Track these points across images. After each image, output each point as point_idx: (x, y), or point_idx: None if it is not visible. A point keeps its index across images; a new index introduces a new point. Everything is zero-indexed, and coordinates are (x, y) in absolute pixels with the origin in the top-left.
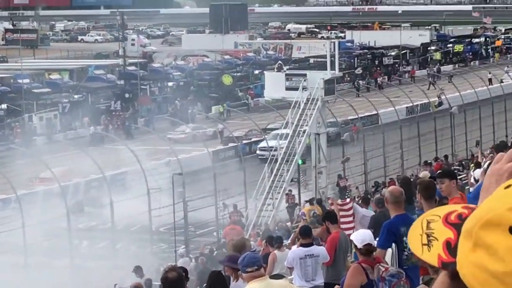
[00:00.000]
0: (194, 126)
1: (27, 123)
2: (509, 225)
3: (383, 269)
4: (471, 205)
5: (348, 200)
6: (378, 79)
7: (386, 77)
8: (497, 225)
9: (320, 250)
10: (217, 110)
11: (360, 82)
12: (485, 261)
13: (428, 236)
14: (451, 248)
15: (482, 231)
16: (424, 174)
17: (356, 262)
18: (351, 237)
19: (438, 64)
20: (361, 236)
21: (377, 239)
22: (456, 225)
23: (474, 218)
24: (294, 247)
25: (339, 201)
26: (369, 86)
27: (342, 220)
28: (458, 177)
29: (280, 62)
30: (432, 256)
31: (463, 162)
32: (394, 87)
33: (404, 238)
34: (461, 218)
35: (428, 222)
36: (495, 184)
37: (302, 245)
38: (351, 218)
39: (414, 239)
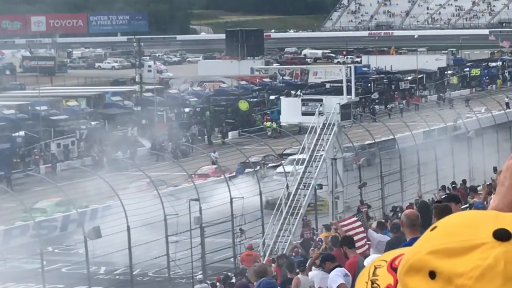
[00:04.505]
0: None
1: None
2: (428, 269)
3: None
4: None
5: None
6: (394, 103)
7: (403, 101)
8: (418, 270)
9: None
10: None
11: (376, 107)
12: None
13: (372, 283)
14: None
15: (407, 277)
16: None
17: None
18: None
19: (448, 90)
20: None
21: None
22: (397, 270)
23: (402, 263)
24: (312, 272)
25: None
26: (389, 112)
27: (350, 234)
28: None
29: (287, 90)
30: None
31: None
32: (410, 111)
33: None
34: None
35: (375, 268)
36: (509, 178)
37: (335, 267)
38: (357, 230)
39: (360, 287)
